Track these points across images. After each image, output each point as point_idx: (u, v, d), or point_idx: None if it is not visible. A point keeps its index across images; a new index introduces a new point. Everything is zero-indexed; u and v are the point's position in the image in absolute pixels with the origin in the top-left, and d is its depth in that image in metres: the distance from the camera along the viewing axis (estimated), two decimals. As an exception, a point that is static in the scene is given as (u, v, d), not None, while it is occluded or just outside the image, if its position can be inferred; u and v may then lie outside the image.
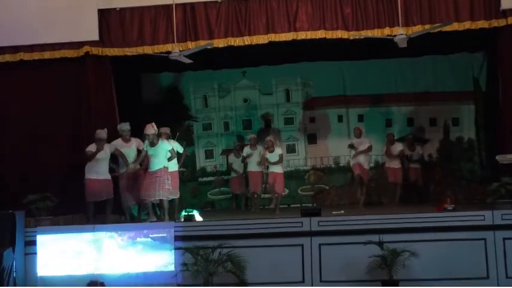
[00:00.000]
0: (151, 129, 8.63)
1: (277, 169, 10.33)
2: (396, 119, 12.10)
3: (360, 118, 12.13)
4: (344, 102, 12.25)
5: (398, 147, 10.88)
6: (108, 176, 9.01)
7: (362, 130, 10.42)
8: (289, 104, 12.51)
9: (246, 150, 10.88)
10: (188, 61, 9.32)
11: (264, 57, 11.41)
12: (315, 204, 11.76)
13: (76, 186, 9.05)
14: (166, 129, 9.40)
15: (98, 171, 8.90)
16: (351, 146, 10.34)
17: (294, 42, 9.73)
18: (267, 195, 11.26)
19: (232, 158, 11.66)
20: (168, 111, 12.31)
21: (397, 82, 12.04)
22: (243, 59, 11.41)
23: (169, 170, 8.73)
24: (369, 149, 10.32)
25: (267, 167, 10.45)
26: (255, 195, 10.78)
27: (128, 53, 9.94)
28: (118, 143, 9.13)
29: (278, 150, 10.33)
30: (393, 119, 12.11)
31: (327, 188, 12.15)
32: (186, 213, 8.67)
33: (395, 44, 8.68)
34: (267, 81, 12.47)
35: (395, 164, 10.78)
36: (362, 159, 10.17)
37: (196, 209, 9.07)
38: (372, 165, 11.44)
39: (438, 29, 8.85)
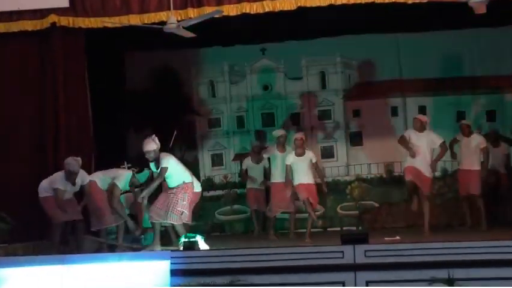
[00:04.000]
0: (152, 144, 8.80)
1: (310, 178, 10.23)
2: (471, 112, 12.01)
3: (422, 110, 12.04)
4: (399, 89, 12.22)
5: (477, 139, 10.42)
6: (71, 195, 9.22)
7: (425, 122, 9.99)
8: (325, 92, 12.50)
9: (270, 152, 10.75)
10: (189, 35, 9.32)
11: (290, 29, 11.36)
12: (360, 228, 11.75)
13: (38, 203, 9.19)
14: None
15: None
16: (403, 142, 9.87)
17: (331, 7, 9.70)
18: (285, 215, 11.23)
19: (248, 162, 11.57)
20: (161, 103, 12.36)
21: (473, 61, 11.95)
22: (262, 32, 11.40)
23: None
24: (444, 147, 9.94)
25: (292, 177, 10.25)
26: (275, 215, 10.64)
27: (109, 25, 9.98)
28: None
29: (309, 154, 10.20)
30: (467, 111, 12.05)
31: (377, 205, 12.13)
32: (187, 239, 8.63)
33: (470, 10, 8.59)
34: (295, 61, 12.48)
35: (472, 165, 10.38)
36: (420, 162, 9.95)
37: (199, 234, 9.02)
38: (438, 173, 11.34)
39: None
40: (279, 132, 10.69)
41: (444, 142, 9.94)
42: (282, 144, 10.49)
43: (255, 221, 11.46)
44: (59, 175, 9.18)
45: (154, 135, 8.91)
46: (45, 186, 9.21)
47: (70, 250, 8.89)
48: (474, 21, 9.52)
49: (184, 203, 8.82)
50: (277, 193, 10.44)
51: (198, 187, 9.47)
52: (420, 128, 9.91)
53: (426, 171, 9.83)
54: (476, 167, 10.33)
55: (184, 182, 8.85)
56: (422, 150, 9.82)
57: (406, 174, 9.97)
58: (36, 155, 9.99)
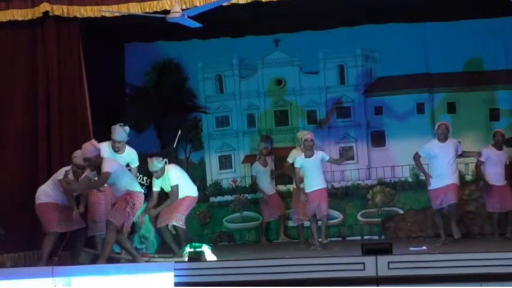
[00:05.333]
0: (156, 164, 9.67)
1: (322, 182, 10.21)
2: (507, 110, 11.93)
3: (451, 107, 12.05)
4: (426, 84, 12.15)
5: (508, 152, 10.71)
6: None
7: (449, 128, 10.22)
8: (345, 87, 12.47)
9: (294, 155, 10.79)
10: (195, 25, 9.29)
11: (306, 18, 11.33)
12: (383, 237, 11.71)
13: (29, 211, 9.18)
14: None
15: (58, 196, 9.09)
16: (417, 162, 10.17)
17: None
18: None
19: (257, 167, 11.58)
20: (164, 99, 12.39)
21: (509, 53, 11.83)
22: (275, 22, 11.38)
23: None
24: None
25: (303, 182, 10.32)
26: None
27: (107, 14, 10.01)
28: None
29: (319, 154, 10.19)
30: (502, 109, 11.97)
31: (401, 212, 12.07)
32: (192, 250, 8.73)
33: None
34: (311, 53, 12.44)
35: (500, 179, 10.54)
36: (444, 175, 9.97)
37: (206, 243, 9.16)
38: (470, 177, 11.37)
39: None
40: (306, 135, 10.50)
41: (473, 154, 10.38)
42: (310, 148, 10.36)
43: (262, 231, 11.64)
44: (63, 169, 9.12)
45: (155, 158, 9.53)
46: (44, 190, 9.13)
47: (62, 262, 8.86)
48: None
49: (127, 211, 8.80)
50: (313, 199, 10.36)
51: (194, 192, 9.91)
52: (445, 135, 10.05)
53: (452, 179, 9.97)
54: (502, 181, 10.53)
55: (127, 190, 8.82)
56: (447, 160, 9.99)
57: (433, 199, 10.13)
58: (27, 156, 10.00)
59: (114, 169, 8.62)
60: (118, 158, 9.27)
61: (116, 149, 9.35)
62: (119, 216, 8.63)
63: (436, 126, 10.33)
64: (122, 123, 9.44)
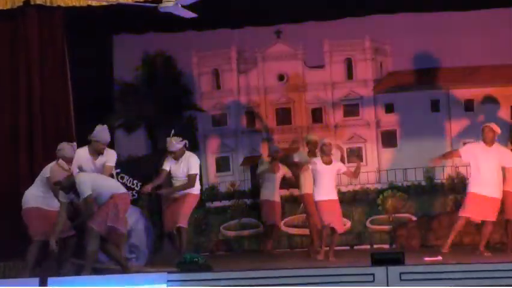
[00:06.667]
0: (174, 144, 9.82)
1: (334, 193, 10.16)
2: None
3: (469, 105, 12.07)
4: (442, 79, 12.17)
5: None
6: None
7: (498, 132, 9.76)
8: (352, 83, 12.50)
9: (300, 155, 10.84)
10: (189, 15, 9.28)
11: (310, 7, 11.30)
12: (394, 246, 11.72)
13: (10, 215, 9.21)
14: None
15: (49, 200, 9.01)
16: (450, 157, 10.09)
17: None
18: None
19: (268, 174, 11.48)
20: (156, 96, 12.41)
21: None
22: (277, 11, 11.36)
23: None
24: None
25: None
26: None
27: (94, 3, 10.01)
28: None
29: (338, 164, 10.18)
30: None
31: (414, 219, 12.07)
32: (187, 259, 8.68)
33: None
34: (316, 46, 12.47)
35: None
36: (487, 185, 9.67)
37: (201, 252, 9.08)
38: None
39: None
40: (324, 139, 10.41)
41: None
42: (328, 154, 10.24)
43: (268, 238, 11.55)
44: (48, 166, 9.05)
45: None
46: (32, 193, 9.03)
47: (46, 272, 8.81)
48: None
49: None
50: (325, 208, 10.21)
51: (197, 189, 10.03)
52: (492, 140, 9.72)
53: (495, 193, 9.69)
54: None
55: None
56: (490, 170, 9.68)
57: (471, 215, 9.84)
58: (9, 154, 10.00)
59: (91, 184, 8.55)
60: (97, 161, 9.30)
61: (102, 152, 9.32)
62: (100, 220, 8.59)
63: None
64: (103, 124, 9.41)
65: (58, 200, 8.82)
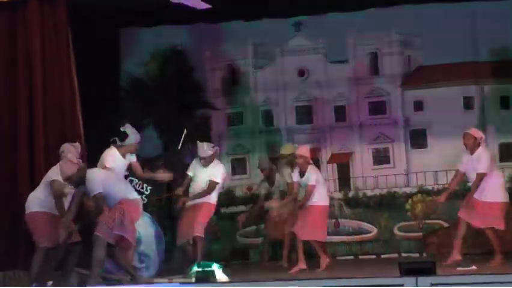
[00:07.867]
0: (205, 150, 10.02)
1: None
2: None
3: (505, 102, 12.07)
4: (475, 75, 12.18)
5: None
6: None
7: (480, 138, 9.87)
8: (378, 79, 12.55)
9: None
10: (202, 6, 9.32)
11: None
12: (424, 255, 11.74)
13: (12, 221, 9.28)
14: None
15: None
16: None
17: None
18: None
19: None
20: (166, 93, 12.47)
21: None
22: (296, 1, 11.46)
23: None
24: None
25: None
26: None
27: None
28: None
29: (313, 175, 10.18)
30: None
31: (446, 226, 12.04)
32: (200, 269, 8.66)
33: None
34: (339, 39, 12.49)
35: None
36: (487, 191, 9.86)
37: (216, 262, 9.10)
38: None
39: None
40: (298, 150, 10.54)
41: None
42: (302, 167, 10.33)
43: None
44: (53, 169, 9.12)
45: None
46: (37, 197, 9.08)
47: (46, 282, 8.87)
48: None
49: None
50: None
51: (214, 197, 10.08)
52: (473, 147, 9.81)
53: (497, 197, 9.87)
54: None
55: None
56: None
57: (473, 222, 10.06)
58: (9, 155, 10.04)
59: (102, 183, 8.62)
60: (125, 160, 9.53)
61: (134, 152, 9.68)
62: (107, 228, 8.61)
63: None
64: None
65: (58, 211, 8.91)
